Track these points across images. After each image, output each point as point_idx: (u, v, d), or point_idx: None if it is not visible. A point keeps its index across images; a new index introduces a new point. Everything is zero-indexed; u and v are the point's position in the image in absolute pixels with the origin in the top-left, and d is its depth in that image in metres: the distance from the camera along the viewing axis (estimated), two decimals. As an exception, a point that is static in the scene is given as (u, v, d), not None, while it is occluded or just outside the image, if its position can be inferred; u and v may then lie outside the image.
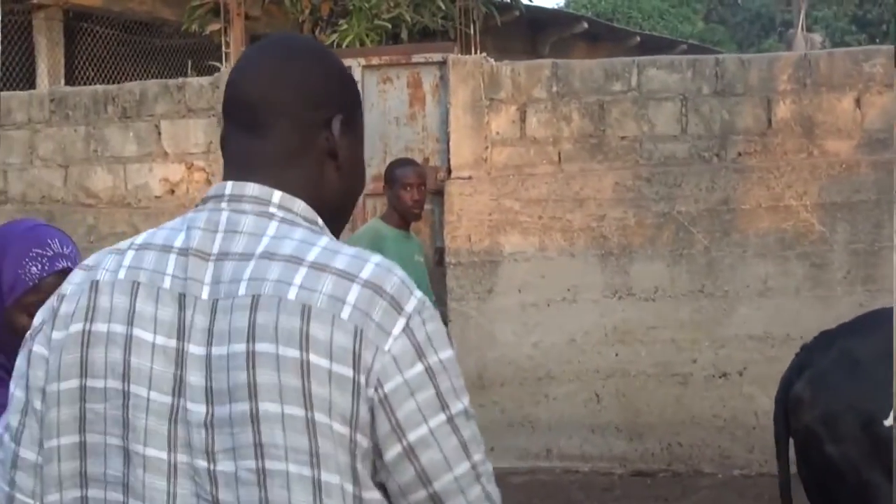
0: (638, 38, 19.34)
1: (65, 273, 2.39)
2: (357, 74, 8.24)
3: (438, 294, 7.48)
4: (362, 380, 1.53)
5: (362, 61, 8.35)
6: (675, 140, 7.72)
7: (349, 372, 1.53)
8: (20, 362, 1.74)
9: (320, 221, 1.70)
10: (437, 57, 8.24)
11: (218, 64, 9.80)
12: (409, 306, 1.59)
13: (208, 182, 8.26)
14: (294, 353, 1.52)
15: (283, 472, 1.52)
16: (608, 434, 7.84)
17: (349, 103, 1.78)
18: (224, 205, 1.67)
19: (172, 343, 1.60)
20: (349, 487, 1.54)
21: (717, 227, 7.68)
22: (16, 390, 1.73)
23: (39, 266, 2.59)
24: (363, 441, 1.54)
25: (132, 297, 1.64)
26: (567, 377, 7.85)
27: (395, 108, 8.30)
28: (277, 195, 1.67)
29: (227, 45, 9.70)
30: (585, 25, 17.69)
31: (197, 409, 1.57)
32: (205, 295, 1.60)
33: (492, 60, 8.06)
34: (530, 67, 8.03)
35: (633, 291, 7.80)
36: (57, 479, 1.66)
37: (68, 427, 1.65)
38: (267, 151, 1.71)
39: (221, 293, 1.59)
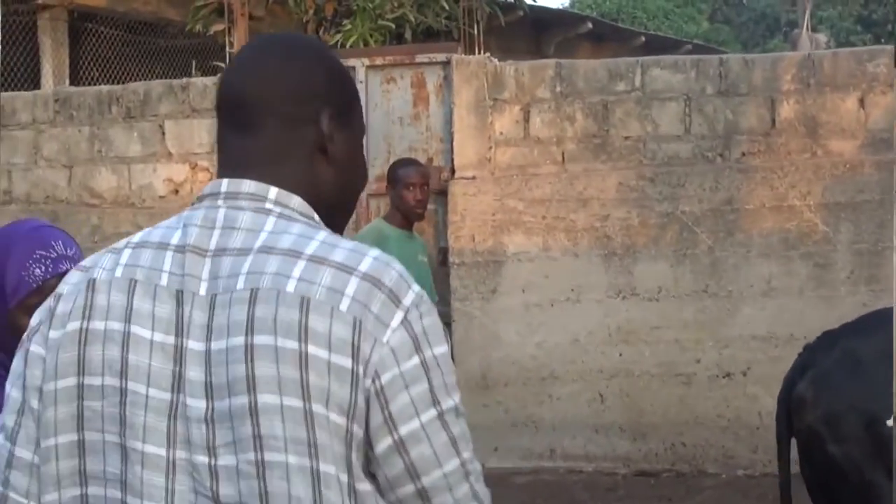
0: (643, 38, 19.32)
1: None
2: (361, 74, 8.25)
3: (442, 294, 7.48)
4: (361, 370, 1.53)
5: (366, 61, 8.36)
6: (679, 140, 7.72)
7: (348, 363, 1.53)
8: (17, 362, 1.74)
9: (316, 217, 1.71)
10: (440, 57, 8.24)
11: (222, 64, 9.82)
12: (408, 300, 1.59)
13: (212, 182, 8.26)
14: (293, 344, 1.53)
15: (282, 463, 1.52)
16: (612, 434, 7.83)
17: (340, 98, 1.77)
18: (220, 202, 1.67)
19: (171, 339, 1.60)
20: (344, 478, 1.54)
21: (720, 227, 7.68)
22: (12, 390, 1.73)
23: (43, 268, 2.59)
24: (359, 431, 1.55)
25: (129, 294, 1.64)
26: (571, 377, 7.85)
27: (398, 108, 8.30)
28: (274, 191, 1.68)
29: (231, 45, 9.72)
30: (590, 25, 17.68)
31: (196, 404, 1.57)
32: (202, 291, 1.60)
33: (495, 60, 8.06)
34: (534, 67, 8.02)
35: (637, 291, 7.80)
36: (55, 479, 1.66)
37: (66, 425, 1.65)
38: (258, 149, 1.71)
39: (220, 288, 1.59)
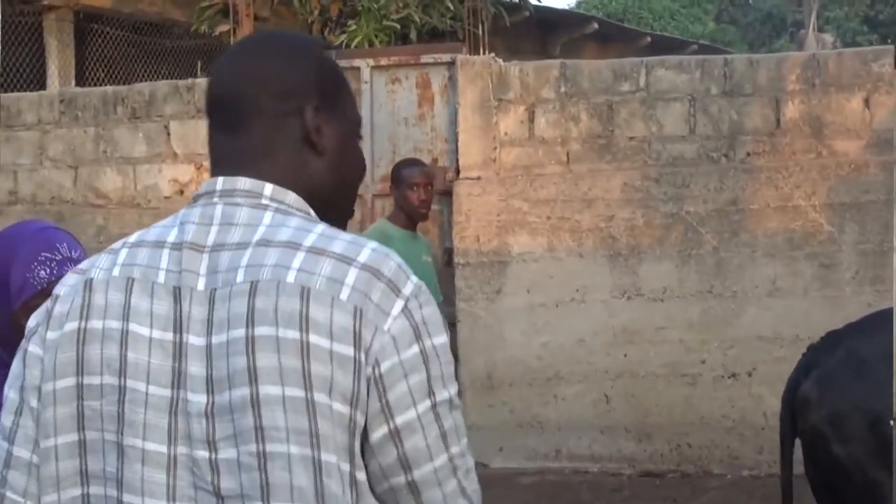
0: (648, 39, 19.35)
1: None
2: (366, 75, 8.27)
3: (447, 294, 7.48)
4: (362, 358, 1.53)
5: (371, 62, 8.37)
6: (684, 140, 7.71)
7: (350, 351, 1.53)
8: (16, 364, 1.74)
9: (312, 213, 1.71)
10: (445, 57, 8.24)
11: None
12: (407, 289, 1.59)
13: (217, 183, 8.27)
14: (294, 334, 1.52)
15: (284, 454, 1.52)
16: (617, 435, 7.83)
17: (324, 89, 1.76)
18: (217, 199, 1.68)
19: (169, 336, 1.60)
20: (346, 467, 1.54)
21: (725, 227, 7.67)
22: (9, 392, 1.73)
23: (48, 270, 2.59)
24: (361, 419, 1.55)
25: (127, 293, 1.64)
26: (576, 378, 7.85)
27: (403, 109, 8.30)
28: (269, 188, 1.68)
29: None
30: (596, 26, 17.71)
31: (197, 399, 1.57)
32: (201, 286, 1.60)
33: (500, 61, 8.06)
34: (539, 68, 8.02)
35: (642, 292, 7.79)
36: (54, 479, 1.66)
37: (66, 426, 1.64)
38: (245, 148, 1.72)
39: (219, 282, 1.59)
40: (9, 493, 1.70)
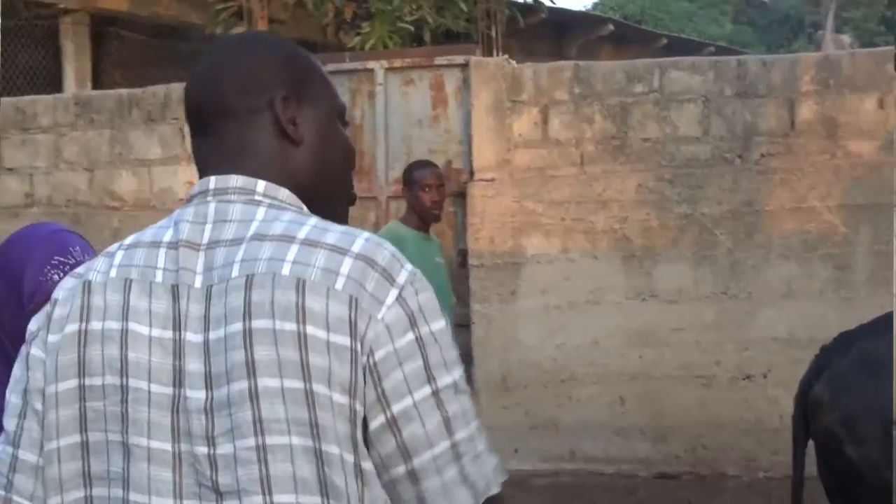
0: (665, 40, 19.32)
1: None
2: (380, 77, 8.28)
3: (461, 296, 7.48)
4: (358, 347, 1.53)
5: (385, 63, 8.37)
6: (698, 142, 7.70)
7: (347, 341, 1.53)
8: (17, 369, 1.74)
9: (305, 209, 1.72)
10: (459, 59, 8.23)
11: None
12: (401, 278, 1.59)
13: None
14: (291, 326, 1.52)
15: (285, 445, 1.52)
16: (632, 436, 7.82)
17: (293, 78, 1.77)
18: (210, 198, 1.68)
19: (168, 334, 1.60)
20: (349, 457, 1.54)
21: (740, 228, 7.66)
22: (11, 396, 1.73)
23: (61, 273, 2.60)
24: (360, 409, 1.54)
25: (125, 293, 1.64)
26: (590, 379, 7.84)
27: (417, 111, 8.30)
28: (262, 184, 1.69)
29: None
30: (612, 28, 17.69)
31: (196, 395, 1.57)
32: (198, 283, 1.61)
33: (514, 62, 8.06)
34: (552, 69, 8.02)
35: (657, 293, 7.78)
36: (57, 482, 1.66)
37: (68, 428, 1.65)
38: (223, 150, 1.73)
39: (215, 279, 1.60)
40: (15, 497, 1.70)
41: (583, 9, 27.62)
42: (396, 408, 1.55)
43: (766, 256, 7.64)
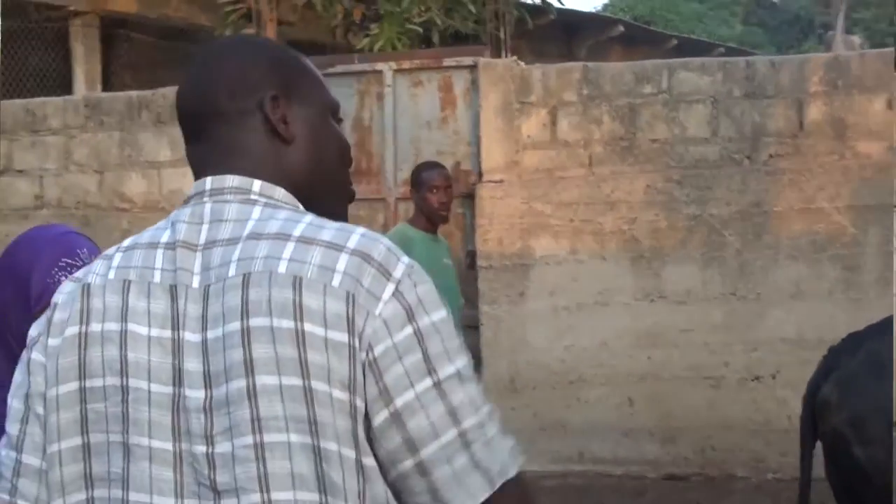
0: (675, 41, 19.33)
1: None
2: (388, 78, 8.28)
3: (470, 297, 7.48)
4: (356, 343, 1.53)
5: (394, 65, 8.38)
6: (706, 142, 7.69)
7: (344, 337, 1.53)
8: (18, 374, 1.75)
9: (300, 207, 1.72)
10: (467, 61, 8.24)
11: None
12: (398, 272, 1.58)
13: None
14: (288, 323, 1.52)
15: (284, 443, 1.52)
16: (640, 438, 7.81)
17: (282, 77, 1.77)
18: (206, 198, 1.69)
19: (167, 334, 1.61)
20: (350, 453, 1.53)
21: (748, 229, 7.65)
22: (13, 401, 1.74)
23: (68, 276, 2.61)
24: (361, 405, 1.54)
25: (124, 294, 1.65)
26: (599, 381, 7.83)
27: (426, 112, 8.30)
28: (258, 184, 1.70)
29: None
30: (621, 29, 17.69)
31: (195, 394, 1.57)
32: (195, 284, 1.61)
33: (522, 64, 8.06)
34: (561, 71, 8.02)
35: (665, 294, 7.78)
36: (59, 485, 1.66)
37: (69, 430, 1.65)
38: (216, 154, 1.73)
39: (212, 278, 1.60)
40: (20, 502, 1.70)
41: (593, 10, 27.62)
42: (399, 402, 1.54)
43: (774, 257, 7.63)
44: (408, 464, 1.56)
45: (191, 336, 1.59)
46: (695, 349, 7.71)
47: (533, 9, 12.50)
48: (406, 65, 8.40)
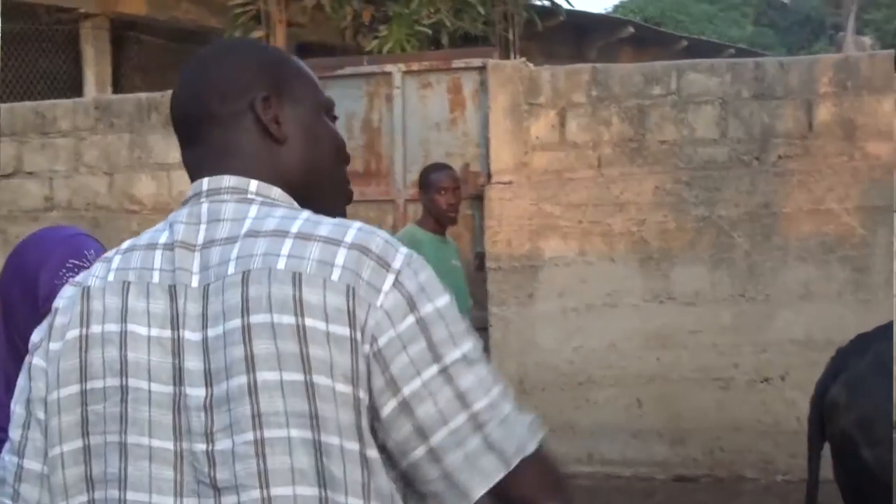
0: (685, 43, 19.30)
1: None
2: (397, 80, 8.29)
3: (479, 299, 7.48)
4: (359, 336, 1.53)
5: (403, 67, 8.38)
6: (715, 144, 7.68)
7: (346, 331, 1.53)
8: (20, 379, 1.76)
9: (296, 205, 1.73)
10: (476, 62, 8.24)
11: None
12: (397, 262, 1.59)
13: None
14: (289, 319, 1.53)
15: (284, 438, 1.53)
16: (649, 439, 7.81)
17: (272, 78, 1.78)
18: (203, 199, 1.70)
19: (167, 333, 1.61)
20: (353, 446, 1.54)
21: (757, 231, 7.64)
22: (16, 406, 1.75)
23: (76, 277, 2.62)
24: (364, 397, 1.54)
25: (123, 296, 1.65)
26: (608, 382, 7.83)
27: (435, 114, 8.30)
28: (254, 184, 1.71)
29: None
30: (632, 30, 17.68)
31: (196, 393, 1.58)
32: (195, 283, 1.62)
33: (531, 65, 8.06)
34: (570, 72, 8.01)
35: (674, 296, 7.77)
36: (62, 488, 1.67)
37: (71, 433, 1.66)
38: (211, 156, 1.75)
39: (211, 277, 1.61)
40: None
41: (603, 11, 27.60)
42: (406, 391, 1.54)
43: (783, 259, 7.62)
44: (419, 451, 1.56)
45: (191, 335, 1.60)
46: (704, 350, 7.70)
47: (542, 10, 12.49)
48: (415, 66, 8.40)
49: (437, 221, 6.31)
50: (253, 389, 1.54)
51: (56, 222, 8.15)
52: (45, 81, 12.19)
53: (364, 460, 1.55)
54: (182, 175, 8.52)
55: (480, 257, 8.03)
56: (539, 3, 12.84)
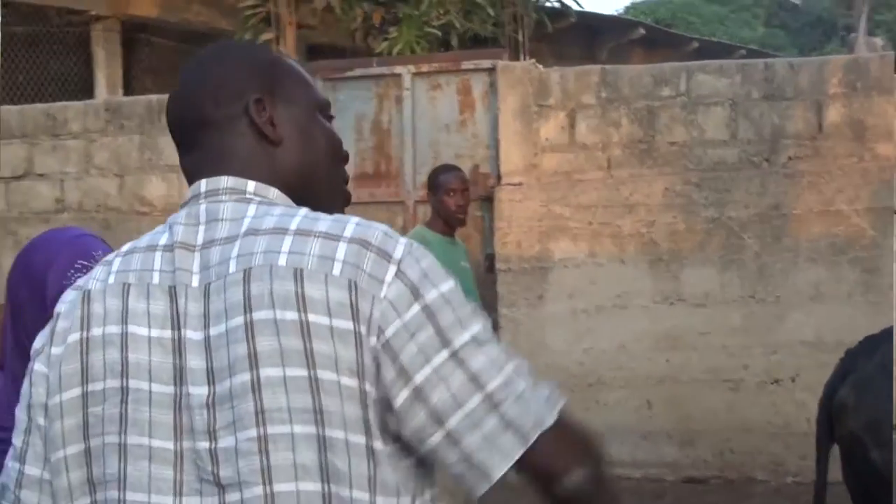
0: (696, 44, 19.25)
1: None
2: (407, 82, 8.29)
3: (489, 301, 7.48)
4: (363, 330, 1.54)
5: (412, 68, 8.39)
6: (725, 145, 7.68)
7: (349, 325, 1.54)
8: (24, 384, 1.76)
9: (293, 205, 1.73)
10: (486, 64, 8.24)
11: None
12: (398, 252, 1.59)
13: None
14: (292, 315, 1.54)
15: (287, 434, 1.53)
16: (659, 441, 7.80)
17: (267, 82, 1.78)
18: (202, 200, 1.71)
19: (168, 334, 1.62)
20: (359, 440, 1.54)
21: (767, 232, 7.63)
22: (19, 412, 1.76)
23: None
24: (371, 390, 1.54)
25: (124, 297, 1.66)
26: (618, 383, 7.82)
27: (444, 115, 8.31)
28: (252, 185, 1.71)
29: (280, 54, 9.76)
30: (642, 31, 17.66)
31: (198, 391, 1.58)
32: (195, 283, 1.62)
33: (540, 67, 8.06)
34: (579, 73, 8.01)
35: (684, 297, 7.76)
36: (67, 491, 1.68)
37: (73, 436, 1.66)
38: (208, 160, 1.75)
39: (212, 276, 1.61)
40: None
41: (614, 13, 27.57)
42: (418, 378, 1.54)
43: (793, 260, 7.61)
44: (437, 437, 1.56)
45: (193, 334, 1.60)
46: (714, 352, 7.69)
47: (553, 12, 12.49)
48: (425, 68, 8.41)
49: (446, 223, 6.31)
50: (256, 386, 1.54)
51: (67, 224, 8.16)
52: (55, 83, 12.22)
53: (370, 453, 1.55)
54: (192, 177, 8.59)
55: (490, 259, 8.03)
56: (549, 4, 12.84)
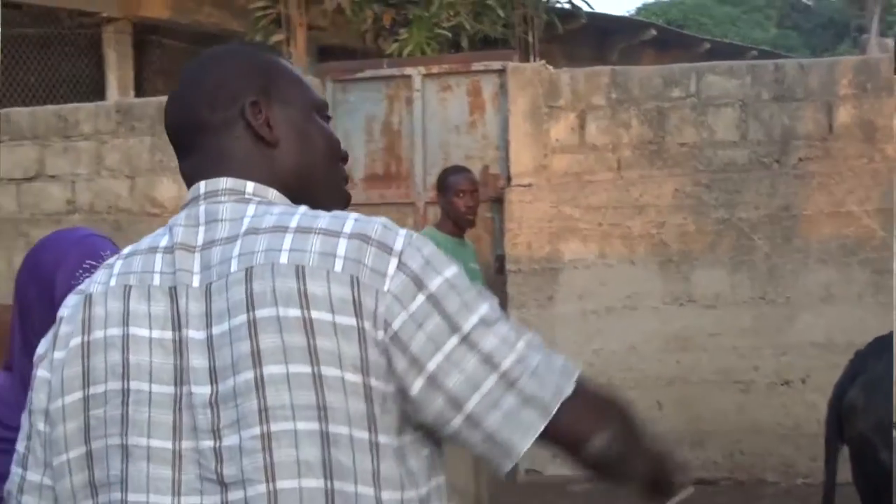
0: (707, 45, 19.21)
1: None
2: (417, 83, 8.30)
3: (499, 302, 7.45)
4: (367, 325, 1.54)
5: (422, 70, 8.40)
6: (735, 146, 7.67)
7: (352, 321, 1.54)
8: (29, 391, 1.77)
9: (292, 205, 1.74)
10: (496, 65, 8.25)
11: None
12: (398, 244, 1.60)
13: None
14: (295, 312, 1.54)
15: (290, 431, 1.53)
16: (669, 441, 7.76)
17: (262, 84, 1.79)
18: (201, 201, 1.72)
19: (168, 334, 1.62)
20: (363, 435, 1.55)
21: (777, 233, 7.62)
22: (22, 418, 1.77)
23: None
24: (377, 385, 1.55)
25: (125, 300, 1.67)
26: (628, 384, 7.81)
27: (455, 116, 8.32)
28: (251, 185, 1.72)
29: (290, 55, 9.79)
30: (654, 32, 17.64)
31: (201, 390, 1.59)
32: (196, 283, 1.63)
33: (551, 68, 8.06)
34: (589, 74, 8.02)
35: (694, 298, 7.76)
36: (70, 494, 1.68)
37: (75, 439, 1.67)
38: (207, 163, 1.76)
39: (213, 276, 1.62)
40: None
41: (625, 14, 27.55)
42: (431, 366, 1.55)
43: (804, 261, 7.60)
44: (457, 421, 1.57)
45: (195, 334, 1.61)
46: (724, 353, 7.69)
47: (563, 13, 12.48)
48: (435, 69, 8.42)
49: (456, 224, 6.32)
50: (260, 384, 1.55)
51: (78, 225, 8.19)
52: (67, 85, 12.26)
53: (374, 448, 1.56)
54: (203, 178, 8.60)
55: (500, 260, 8.03)
56: (560, 5, 12.84)
